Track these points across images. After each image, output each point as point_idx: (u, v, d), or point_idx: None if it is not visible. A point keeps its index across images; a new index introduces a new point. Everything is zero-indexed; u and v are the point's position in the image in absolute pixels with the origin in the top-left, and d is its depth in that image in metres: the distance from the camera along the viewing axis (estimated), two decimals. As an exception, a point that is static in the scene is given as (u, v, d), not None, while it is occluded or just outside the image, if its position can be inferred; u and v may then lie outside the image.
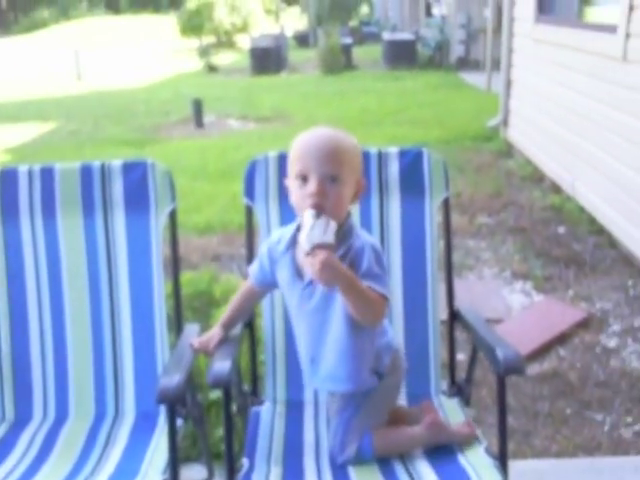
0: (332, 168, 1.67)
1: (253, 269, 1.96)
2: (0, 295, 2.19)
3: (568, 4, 6.14)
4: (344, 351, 1.79)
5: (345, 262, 1.68)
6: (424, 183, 2.19)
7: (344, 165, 1.68)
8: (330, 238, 1.61)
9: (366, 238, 1.77)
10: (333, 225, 1.62)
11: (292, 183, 1.73)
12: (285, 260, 1.82)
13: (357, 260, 1.71)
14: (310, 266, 1.61)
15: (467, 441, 1.89)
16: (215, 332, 1.97)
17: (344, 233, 1.73)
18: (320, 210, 1.64)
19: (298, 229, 1.77)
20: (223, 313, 2.06)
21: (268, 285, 1.95)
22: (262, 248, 1.94)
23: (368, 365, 1.82)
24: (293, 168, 1.72)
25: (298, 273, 1.79)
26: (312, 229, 1.60)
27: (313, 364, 1.85)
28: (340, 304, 1.73)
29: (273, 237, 1.91)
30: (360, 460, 1.80)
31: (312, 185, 1.66)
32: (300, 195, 1.69)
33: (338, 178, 1.67)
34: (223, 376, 1.74)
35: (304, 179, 1.68)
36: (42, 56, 25.74)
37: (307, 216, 1.62)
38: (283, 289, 1.89)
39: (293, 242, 1.81)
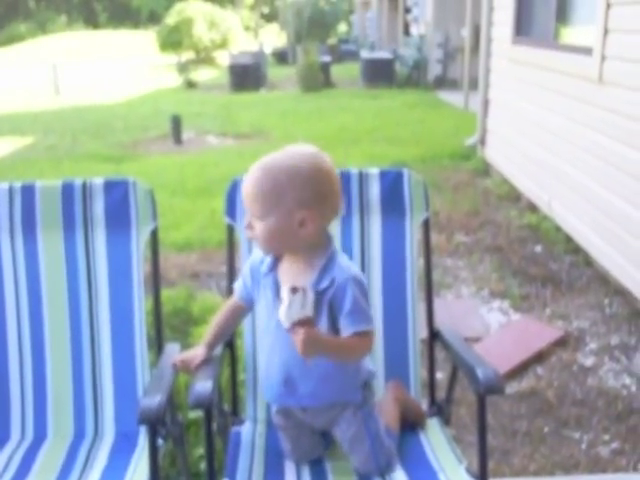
0: (253, 209, 1.74)
1: (238, 286, 1.98)
2: (-22, 313, 2.17)
3: (544, 26, 6.23)
4: (326, 372, 1.81)
5: (327, 296, 1.74)
6: (404, 203, 2.21)
7: (265, 204, 1.71)
8: (309, 311, 1.63)
9: (350, 271, 1.79)
10: (311, 296, 1.64)
11: None
12: (267, 281, 1.84)
13: (340, 297, 1.75)
14: (294, 341, 1.65)
15: (420, 416, 2.12)
16: (198, 351, 1.97)
17: (326, 263, 1.77)
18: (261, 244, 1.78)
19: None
20: (202, 331, 2.06)
21: (253, 301, 1.96)
22: (245, 266, 1.97)
23: (352, 379, 1.87)
24: None
25: (279, 296, 1.78)
26: (290, 307, 1.62)
27: (287, 384, 1.84)
28: (321, 329, 1.75)
29: (255, 256, 1.93)
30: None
31: (245, 220, 1.79)
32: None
33: (261, 216, 1.72)
34: (205, 397, 1.73)
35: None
36: (19, 70, 25.60)
37: (284, 292, 1.64)
38: (260, 309, 1.91)
39: (275, 263, 1.84)
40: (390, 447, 1.90)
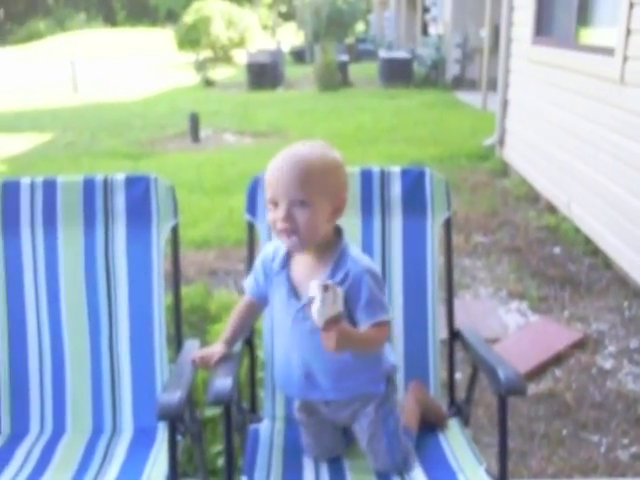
0: (299, 193, 1.67)
1: (249, 283, 1.97)
2: (-1, 307, 2.18)
3: (565, 26, 6.19)
4: (346, 365, 1.81)
5: (344, 287, 1.70)
6: (426, 203, 2.20)
7: (313, 188, 1.68)
8: (340, 307, 1.62)
9: (363, 262, 1.79)
10: (340, 292, 1.63)
11: (268, 205, 1.75)
12: (280, 279, 1.84)
13: (356, 290, 1.74)
14: (325, 340, 1.64)
15: (441, 418, 2.10)
16: (217, 348, 1.97)
17: (339, 257, 1.76)
18: (293, 234, 1.69)
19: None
20: (220, 329, 2.06)
21: (266, 298, 1.96)
22: (256, 262, 1.96)
23: (374, 371, 1.87)
24: (266, 191, 1.74)
25: (294, 293, 1.81)
26: (323, 305, 1.59)
27: (308, 379, 1.85)
28: None
29: (267, 251, 1.92)
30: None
31: (280, 211, 1.68)
32: (272, 219, 1.72)
33: (307, 202, 1.67)
34: (225, 393, 1.73)
35: (275, 204, 1.70)
36: (38, 67, 25.79)
37: (314, 288, 1.61)
38: (275, 306, 1.90)
39: (287, 260, 1.83)
40: (407, 445, 1.89)
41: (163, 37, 32.83)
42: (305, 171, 1.68)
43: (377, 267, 1.85)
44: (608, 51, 4.86)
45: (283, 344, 1.90)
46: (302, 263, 1.81)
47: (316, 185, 1.68)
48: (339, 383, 1.84)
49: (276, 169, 1.71)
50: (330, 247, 1.78)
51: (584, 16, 5.83)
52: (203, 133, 10.38)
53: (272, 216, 1.72)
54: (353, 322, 1.75)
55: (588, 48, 5.53)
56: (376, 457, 1.87)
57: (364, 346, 1.77)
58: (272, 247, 1.90)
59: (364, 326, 1.74)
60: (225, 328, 2.03)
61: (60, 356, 2.18)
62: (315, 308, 1.60)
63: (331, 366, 1.81)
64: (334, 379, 1.83)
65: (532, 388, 3.36)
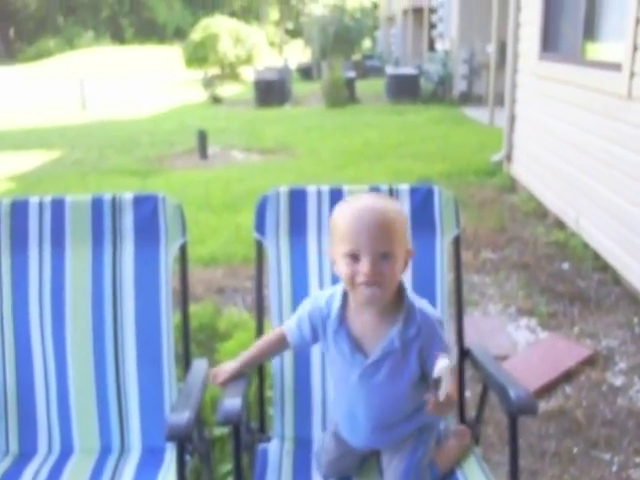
0: (384, 245, 1.64)
1: (291, 327, 1.92)
2: (5, 326, 2.18)
3: (572, 41, 6.20)
4: (412, 414, 1.83)
5: (416, 344, 1.73)
6: (435, 220, 2.20)
7: (395, 240, 1.66)
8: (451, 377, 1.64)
9: (430, 314, 1.78)
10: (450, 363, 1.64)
11: (340, 258, 1.69)
12: (340, 336, 1.79)
13: (430, 342, 1.74)
14: (437, 409, 1.63)
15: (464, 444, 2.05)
16: (230, 365, 1.95)
17: (407, 311, 1.75)
18: (375, 285, 1.64)
19: (345, 300, 1.78)
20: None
21: (304, 347, 1.97)
22: (302, 311, 1.89)
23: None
24: (342, 244, 1.67)
25: (358, 348, 1.77)
26: (446, 381, 1.59)
27: (375, 431, 1.84)
28: (413, 375, 1.77)
29: (318, 304, 1.85)
30: None
31: (365, 265, 1.63)
32: (351, 272, 1.65)
33: (390, 254, 1.65)
34: (234, 413, 1.73)
35: (354, 257, 1.65)
36: (47, 85, 25.96)
37: (441, 369, 1.60)
38: (333, 359, 1.86)
39: (343, 315, 1.79)
40: (425, 478, 1.86)
41: (171, 54, 33.06)
42: (388, 222, 1.65)
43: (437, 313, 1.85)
44: (615, 67, 4.86)
45: (347, 397, 1.86)
46: (363, 317, 1.77)
47: (397, 237, 1.66)
48: (402, 427, 1.84)
49: (355, 221, 1.66)
50: (393, 300, 1.75)
51: (590, 31, 5.83)
52: (211, 150, 10.41)
53: (350, 269, 1.65)
54: (425, 373, 1.76)
55: (595, 64, 5.54)
56: (389, 476, 1.85)
57: None
58: (323, 300, 1.85)
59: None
60: (248, 350, 2.01)
61: (64, 375, 2.17)
62: (443, 389, 1.59)
63: (396, 416, 1.83)
64: (398, 426, 1.84)
65: (542, 405, 3.33)
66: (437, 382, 1.59)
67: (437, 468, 1.92)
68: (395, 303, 1.75)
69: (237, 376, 1.93)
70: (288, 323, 1.95)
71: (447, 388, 1.58)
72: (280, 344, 1.98)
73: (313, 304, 1.87)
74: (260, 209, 2.19)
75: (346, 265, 1.66)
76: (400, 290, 1.76)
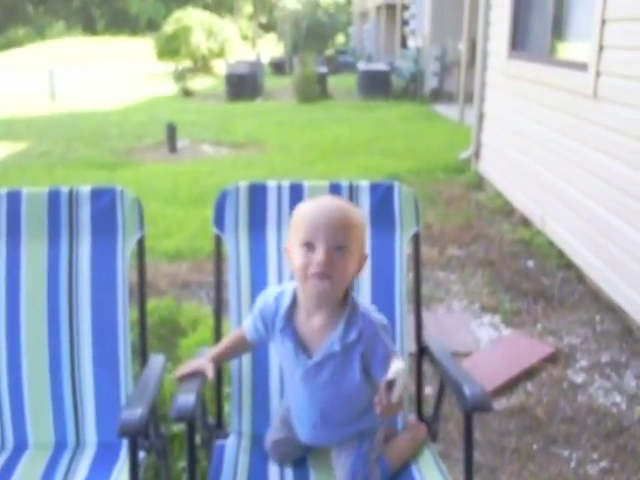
0: (340, 239, 1.66)
1: (248, 326, 1.93)
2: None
3: (540, 41, 6.24)
4: (358, 412, 1.85)
5: (358, 348, 1.74)
6: (395, 217, 2.19)
7: (351, 236, 1.69)
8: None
9: (374, 320, 1.78)
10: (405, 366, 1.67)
11: (295, 249, 1.70)
12: (286, 333, 1.81)
13: (373, 347, 1.74)
14: (388, 410, 1.61)
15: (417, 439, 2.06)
16: (197, 362, 1.93)
17: (349, 315, 1.75)
18: (326, 279, 1.65)
19: (294, 299, 1.80)
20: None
21: (262, 342, 1.96)
22: (256, 308, 1.90)
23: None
24: (298, 235, 1.69)
25: (303, 348, 1.79)
26: (401, 382, 1.60)
27: (316, 428, 1.86)
28: (356, 379, 1.77)
29: (267, 301, 1.86)
30: None
31: (320, 254, 1.65)
32: (304, 262, 1.67)
33: (345, 248, 1.67)
34: (187, 409, 1.71)
35: (310, 247, 1.67)
36: (16, 75, 25.61)
37: (397, 369, 1.61)
38: (281, 356, 1.89)
39: (291, 313, 1.81)
40: (373, 474, 1.86)
41: (142, 47, 32.76)
42: (346, 218, 1.70)
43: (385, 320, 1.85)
44: (581, 66, 4.90)
45: (294, 392, 1.89)
46: (310, 318, 1.78)
47: (353, 233, 1.70)
48: (347, 428, 1.86)
49: (314, 213, 1.70)
50: (340, 303, 1.76)
51: (558, 31, 5.88)
52: (180, 143, 10.34)
53: (304, 259, 1.67)
54: (369, 376, 1.77)
55: (562, 63, 5.58)
56: (339, 472, 1.87)
57: None
58: (272, 297, 1.86)
59: (383, 379, 1.69)
60: (218, 347, 2.00)
61: (18, 370, 2.13)
62: (397, 391, 1.58)
63: (340, 416, 1.85)
64: (342, 426, 1.86)
65: (503, 402, 3.35)
66: (391, 384, 1.59)
67: (387, 463, 1.93)
68: (342, 306, 1.76)
69: (198, 372, 1.90)
70: (246, 321, 1.95)
71: (400, 390, 1.58)
72: (243, 344, 1.98)
73: (264, 301, 1.88)
74: (219, 204, 2.18)
75: (301, 255, 1.68)
76: (347, 294, 1.77)
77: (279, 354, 1.90)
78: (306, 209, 1.73)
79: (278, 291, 1.86)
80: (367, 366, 1.76)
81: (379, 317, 1.82)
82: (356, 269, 1.74)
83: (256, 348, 2.04)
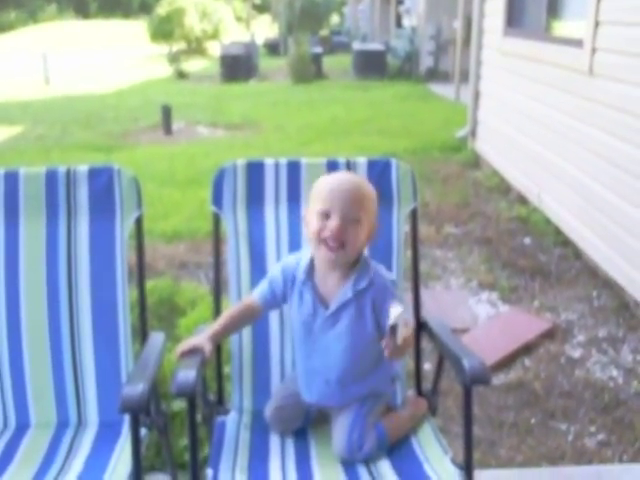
0: (354, 210, 1.80)
1: (262, 290, 2.00)
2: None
3: (536, 18, 6.22)
4: (366, 369, 1.93)
5: (369, 296, 1.86)
6: (392, 193, 2.20)
7: (364, 209, 1.83)
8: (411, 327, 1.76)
9: (387, 275, 1.93)
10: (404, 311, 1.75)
11: (312, 217, 1.84)
12: (306, 287, 1.92)
13: (383, 296, 1.86)
14: (395, 353, 1.72)
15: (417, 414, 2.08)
16: (203, 342, 1.92)
17: (362, 266, 1.89)
18: (340, 245, 1.80)
19: (312, 262, 1.92)
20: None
21: (274, 307, 2.05)
22: (274, 271, 2.01)
23: (386, 373, 2.00)
24: (316, 204, 1.83)
25: (322, 302, 1.90)
26: (402, 325, 1.69)
27: (328, 385, 1.93)
28: (368, 328, 1.88)
29: (288, 261, 2.00)
30: (379, 451, 1.90)
31: (334, 222, 1.79)
32: (320, 227, 1.81)
33: (357, 220, 1.81)
34: (188, 386, 1.72)
35: (326, 216, 1.81)
36: (9, 59, 25.44)
37: (396, 313, 1.70)
38: (296, 313, 1.95)
39: (312, 270, 1.92)
40: (371, 436, 1.89)
41: (136, 29, 32.53)
42: (361, 192, 1.85)
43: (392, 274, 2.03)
44: (577, 43, 4.89)
45: (307, 351, 1.96)
46: (325, 277, 1.91)
47: (367, 207, 1.84)
48: (356, 387, 1.93)
49: (332, 185, 1.84)
50: (354, 264, 1.89)
51: (554, 8, 5.85)
52: (176, 125, 10.30)
53: (318, 225, 1.81)
54: (380, 329, 1.84)
55: (558, 40, 5.56)
56: (336, 433, 1.91)
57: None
58: (293, 258, 1.99)
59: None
60: (217, 322, 2.01)
61: (19, 350, 2.13)
62: (400, 333, 1.69)
63: (352, 371, 1.91)
64: (352, 383, 1.93)
65: (501, 378, 3.38)
66: (393, 328, 1.68)
67: (383, 430, 1.94)
68: (355, 265, 1.89)
69: (196, 349, 1.90)
70: (257, 289, 2.03)
71: (403, 332, 1.68)
72: (252, 311, 2.02)
73: (285, 263, 2.00)
74: (217, 182, 2.18)
75: (317, 221, 1.82)
76: (360, 256, 1.90)
77: (296, 311, 1.95)
78: (325, 182, 1.87)
79: (297, 256, 2.00)
80: (378, 316, 1.86)
81: (390, 275, 1.96)
82: (367, 238, 1.87)
83: (261, 319, 2.07)
